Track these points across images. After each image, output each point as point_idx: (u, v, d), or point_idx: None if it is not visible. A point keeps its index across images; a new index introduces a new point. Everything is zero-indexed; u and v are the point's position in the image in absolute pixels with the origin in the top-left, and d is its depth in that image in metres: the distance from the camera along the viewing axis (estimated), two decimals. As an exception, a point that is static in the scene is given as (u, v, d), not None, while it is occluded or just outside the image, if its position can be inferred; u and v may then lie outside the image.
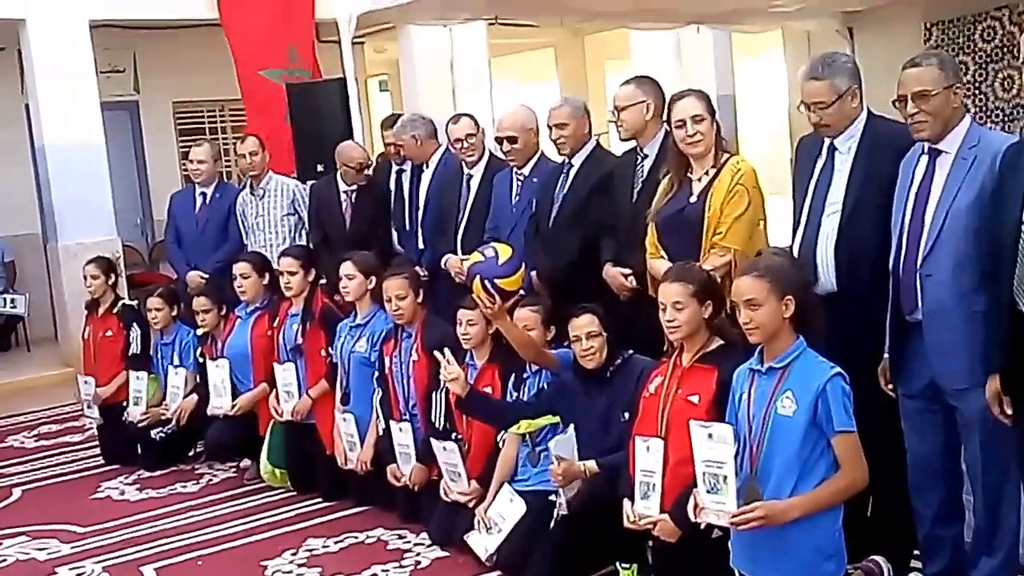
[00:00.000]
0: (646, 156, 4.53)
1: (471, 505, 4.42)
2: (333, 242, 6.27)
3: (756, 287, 3.00)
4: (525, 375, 4.46)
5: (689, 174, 4.11)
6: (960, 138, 3.27)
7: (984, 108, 8.25)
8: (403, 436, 4.82)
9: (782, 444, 2.95)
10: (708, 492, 3.01)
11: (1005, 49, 8.08)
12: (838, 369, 2.97)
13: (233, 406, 5.67)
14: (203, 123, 12.00)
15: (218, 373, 5.71)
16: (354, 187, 6.34)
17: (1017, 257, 2.93)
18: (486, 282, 4.23)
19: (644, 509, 3.45)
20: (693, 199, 4.04)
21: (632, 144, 4.66)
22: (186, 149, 11.69)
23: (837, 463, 2.93)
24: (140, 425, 6.08)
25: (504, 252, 4.30)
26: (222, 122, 12.10)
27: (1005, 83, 8.16)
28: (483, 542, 4.27)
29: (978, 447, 3.28)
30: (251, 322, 5.77)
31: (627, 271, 4.45)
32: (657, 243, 4.15)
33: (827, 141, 3.70)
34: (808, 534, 2.95)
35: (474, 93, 11.16)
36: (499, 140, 5.26)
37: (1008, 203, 3.00)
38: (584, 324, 4.01)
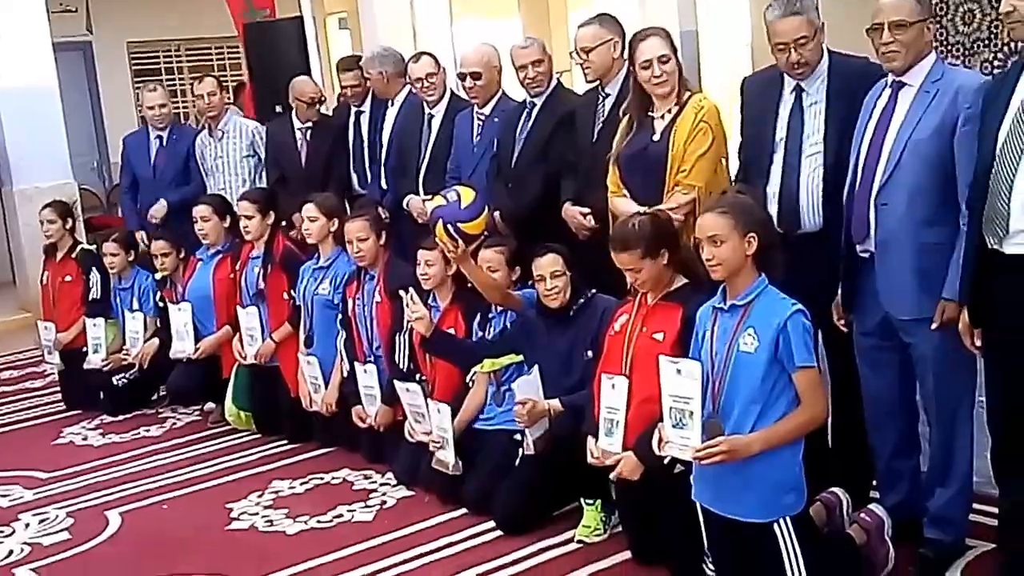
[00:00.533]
0: (608, 95, 4.48)
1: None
2: (290, 181, 6.21)
3: (720, 224, 3.01)
4: (490, 315, 4.46)
5: (651, 112, 4.08)
6: (925, 72, 3.26)
7: (945, 41, 8.23)
8: (368, 378, 4.82)
9: (744, 380, 2.97)
10: (674, 427, 3.04)
11: (967, -17, 8.07)
12: (799, 306, 2.99)
13: (197, 349, 5.64)
14: (159, 63, 11.81)
15: (180, 317, 5.66)
16: (308, 124, 6.26)
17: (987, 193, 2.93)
18: (449, 226, 4.19)
19: (608, 446, 3.48)
20: (656, 137, 4.01)
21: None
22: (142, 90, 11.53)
23: (798, 398, 2.97)
24: (103, 371, 6.04)
25: (467, 195, 4.27)
26: (178, 62, 11.91)
27: (966, 17, 8.14)
28: (444, 457, 4.30)
29: (932, 382, 3.31)
30: (213, 265, 5.71)
31: (586, 210, 4.43)
32: (619, 182, 4.12)
33: (789, 82, 3.64)
34: (769, 468, 2.98)
35: (435, 31, 11.03)
36: (462, 76, 5.20)
37: (986, 138, 2.98)
38: (548, 264, 4.00)
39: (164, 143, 6.73)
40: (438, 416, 4.33)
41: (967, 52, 8.10)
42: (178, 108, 11.59)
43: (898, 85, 3.31)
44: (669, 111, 4.02)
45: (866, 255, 3.36)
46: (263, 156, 6.49)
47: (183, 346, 5.67)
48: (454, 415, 4.35)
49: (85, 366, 6.12)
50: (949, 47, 8.21)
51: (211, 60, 11.64)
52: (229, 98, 6.75)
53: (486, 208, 4.32)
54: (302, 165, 6.25)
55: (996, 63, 7.58)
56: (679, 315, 3.37)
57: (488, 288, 4.30)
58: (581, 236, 4.49)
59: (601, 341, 3.70)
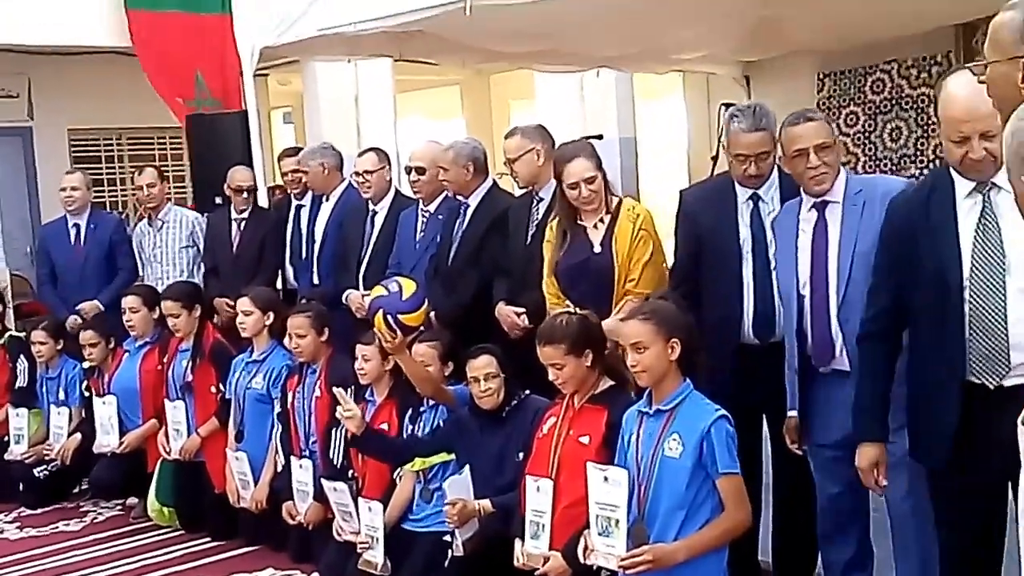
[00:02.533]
0: (541, 199, 4.58)
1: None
2: (221, 270, 6.23)
3: (643, 330, 3.05)
4: (422, 409, 4.45)
5: (580, 221, 4.14)
6: (843, 186, 3.38)
7: (873, 157, 8.53)
8: (303, 473, 4.76)
9: (669, 485, 2.99)
10: (599, 534, 3.04)
11: (893, 101, 8.38)
12: (723, 412, 3.03)
13: (121, 444, 5.53)
14: (99, 151, 11.75)
15: (105, 410, 5.57)
16: (244, 214, 6.28)
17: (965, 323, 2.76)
18: (388, 317, 4.21)
19: (534, 549, 3.46)
20: (598, 249, 4.08)
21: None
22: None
23: (722, 504, 2.98)
24: (25, 462, 5.90)
25: (408, 287, 4.30)
26: (119, 150, 11.86)
27: (893, 134, 8.44)
28: (372, 558, 4.24)
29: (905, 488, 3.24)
30: (140, 357, 5.65)
31: (520, 310, 4.48)
32: (560, 294, 4.15)
33: (742, 191, 3.76)
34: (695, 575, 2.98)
35: (379, 129, 11.17)
36: (408, 170, 5.31)
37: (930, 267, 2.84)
38: (482, 365, 4.01)
39: (82, 232, 6.70)
40: (368, 515, 4.28)
41: (895, 167, 8.39)
42: (116, 196, 11.58)
43: (823, 204, 3.41)
44: (601, 220, 4.11)
45: (828, 372, 3.38)
46: (201, 248, 6.48)
47: (107, 440, 5.57)
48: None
49: (6, 456, 5.98)
50: (877, 162, 8.51)
51: (153, 149, 11.61)
52: (170, 189, 6.74)
53: (426, 301, 4.35)
54: (233, 254, 6.27)
55: (921, 177, 7.86)
56: (604, 419, 3.39)
57: (422, 381, 4.30)
58: (514, 335, 4.52)
59: (532, 442, 3.70)
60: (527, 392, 4.08)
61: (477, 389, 4.03)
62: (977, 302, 2.71)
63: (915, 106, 8.19)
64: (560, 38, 6.82)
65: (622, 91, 10.49)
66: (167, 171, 10.54)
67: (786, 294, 3.49)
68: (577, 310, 3.66)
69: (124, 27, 9.00)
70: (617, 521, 2.98)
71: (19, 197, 10.70)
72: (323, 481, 4.54)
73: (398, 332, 4.20)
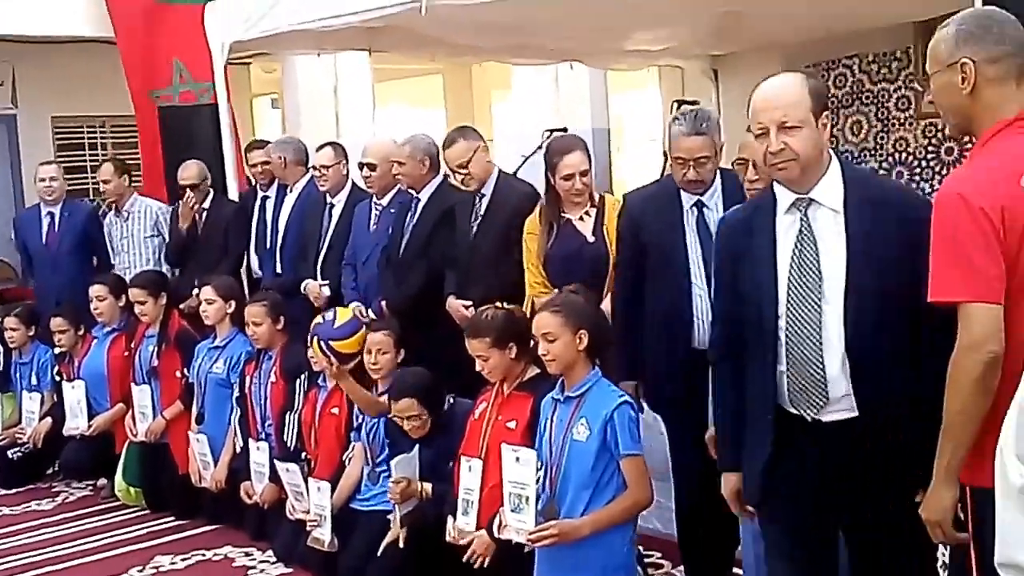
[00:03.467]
0: (483, 195, 4.76)
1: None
2: (186, 260, 6.46)
3: (552, 322, 3.27)
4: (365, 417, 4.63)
5: (564, 213, 4.27)
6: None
7: (835, 150, 8.72)
8: (260, 455, 4.98)
9: (576, 467, 3.21)
10: (512, 511, 3.26)
11: (854, 95, 8.55)
12: (626, 397, 3.25)
13: (89, 427, 5.75)
14: (83, 139, 11.92)
15: (74, 394, 5.79)
16: (205, 207, 6.49)
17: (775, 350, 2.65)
18: (323, 343, 4.44)
19: (464, 525, 3.68)
20: (591, 239, 4.22)
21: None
22: (65, 163, 11.65)
23: (626, 484, 3.21)
24: (-1, 444, 6.13)
25: (342, 315, 4.55)
26: (103, 138, 12.04)
27: (854, 127, 8.62)
28: (320, 535, 4.46)
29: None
30: (108, 343, 5.88)
31: (468, 303, 4.67)
32: (546, 283, 4.25)
33: (687, 197, 3.69)
34: (600, 550, 3.21)
35: (357, 118, 11.34)
36: (360, 165, 5.49)
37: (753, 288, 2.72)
38: (405, 408, 4.16)
39: (56, 219, 6.91)
40: (317, 494, 4.50)
41: (855, 160, 8.58)
42: (98, 184, 11.73)
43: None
44: (587, 212, 4.26)
45: None
46: (167, 236, 6.69)
47: (77, 423, 5.79)
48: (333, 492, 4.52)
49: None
50: (839, 156, 8.69)
51: (135, 138, 11.76)
52: (130, 181, 6.96)
53: (361, 328, 4.53)
54: (197, 245, 6.46)
55: (882, 170, 8.07)
56: (529, 404, 3.62)
57: (367, 405, 4.52)
58: (463, 326, 4.71)
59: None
60: (452, 398, 4.27)
61: (405, 425, 4.20)
62: (793, 332, 2.58)
63: (875, 101, 8.36)
64: (525, 33, 6.97)
65: (595, 83, 10.67)
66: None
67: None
68: (504, 305, 3.87)
69: (107, 17, 9.20)
70: (527, 498, 3.21)
71: (3, 184, 10.86)
72: (276, 462, 4.75)
73: (331, 358, 4.43)
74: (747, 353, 2.69)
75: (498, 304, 3.88)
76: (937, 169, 7.60)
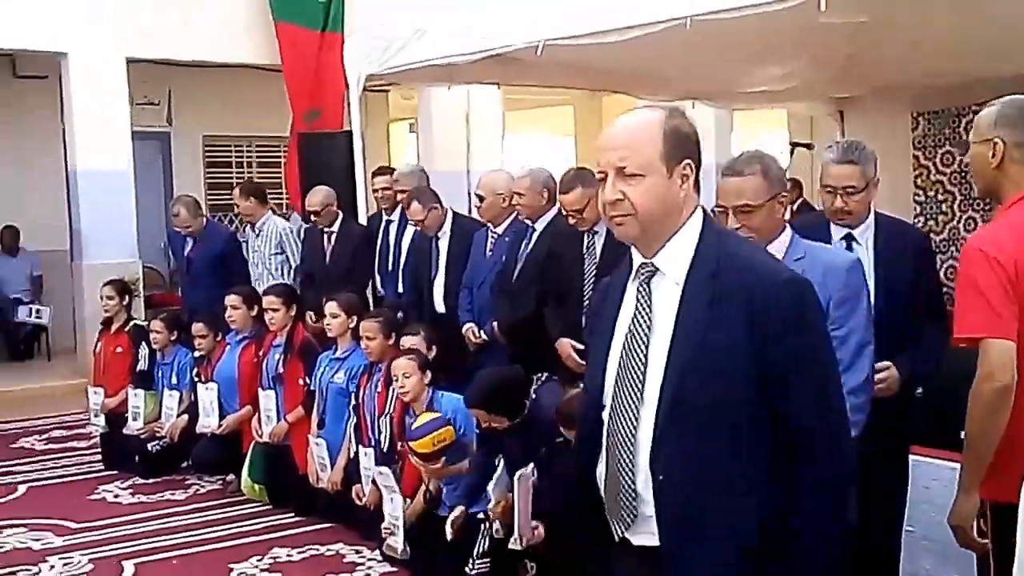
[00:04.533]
0: (596, 232, 4.87)
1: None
2: (316, 279, 6.93)
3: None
4: None
5: None
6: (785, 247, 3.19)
7: (968, 197, 8.65)
8: (367, 460, 5.34)
9: None
10: None
11: (983, 142, 8.51)
12: None
13: (220, 425, 6.23)
14: (230, 156, 12.67)
15: (207, 395, 6.28)
16: (334, 227, 6.93)
17: None
18: (408, 443, 4.80)
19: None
20: None
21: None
22: (212, 180, 12.43)
23: None
24: (140, 437, 6.64)
25: (422, 419, 4.81)
26: (248, 156, 12.77)
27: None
28: (394, 543, 4.84)
29: None
30: (239, 349, 6.36)
31: (580, 346, 4.70)
32: None
33: (837, 230, 3.65)
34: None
35: (487, 146, 11.73)
36: (477, 196, 5.85)
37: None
38: (478, 416, 4.57)
39: (195, 241, 7.59)
40: (391, 505, 4.85)
41: (987, 207, 8.51)
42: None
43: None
44: None
45: None
46: (289, 254, 7.29)
47: (208, 422, 6.28)
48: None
49: (124, 431, 6.74)
50: (971, 202, 8.59)
51: (278, 156, 12.46)
52: (260, 201, 7.59)
53: (435, 430, 4.70)
54: (326, 265, 6.95)
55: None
56: None
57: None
58: (570, 365, 4.82)
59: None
60: (544, 378, 4.54)
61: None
62: (612, 429, 2.18)
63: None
64: (642, 71, 7.22)
65: (721, 122, 10.81)
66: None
67: None
68: None
69: (259, 44, 9.85)
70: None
71: (155, 196, 11.65)
72: (373, 466, 5.13)
73: (415, 457, 4.76)
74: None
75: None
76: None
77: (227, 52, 10.05)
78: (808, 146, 8.69)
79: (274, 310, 6.04)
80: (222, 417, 6.27)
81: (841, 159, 3.56)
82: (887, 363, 3.49)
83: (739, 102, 9.49)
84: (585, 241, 4.97)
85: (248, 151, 12.74)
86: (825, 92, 9.10)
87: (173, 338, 6.79)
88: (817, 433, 2.09)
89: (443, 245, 6.17)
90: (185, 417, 6.53)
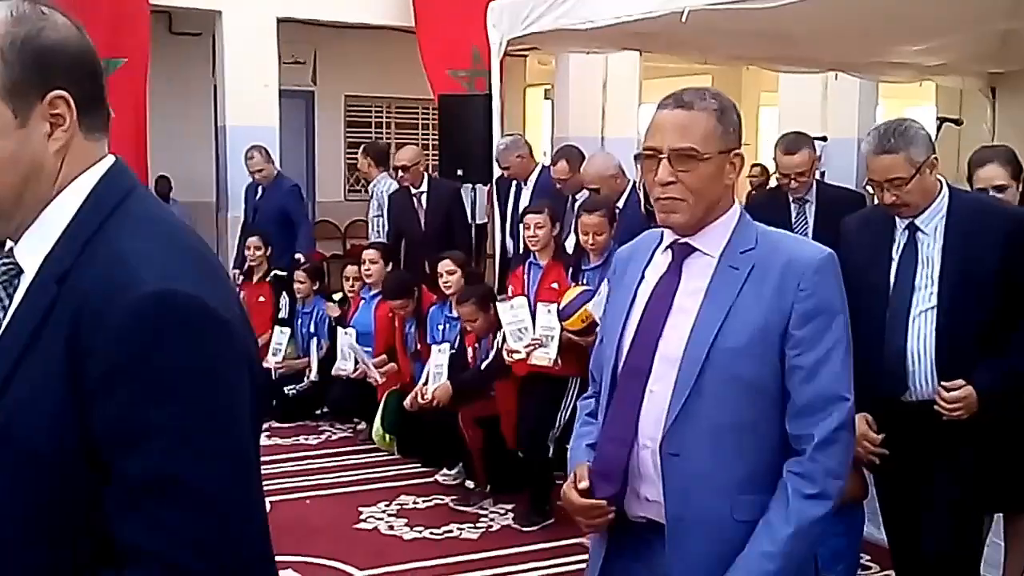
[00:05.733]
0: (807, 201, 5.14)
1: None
2: (408, 240, 7.21)
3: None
4: (584, 268, 5.19)
5: None
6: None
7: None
8: (439, 357, 5.69)
9: None
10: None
11: None
12: None
13: (356, 370, 6.46)
14: (370, 117, 12.95)
15: (346, 339, 6.53)
16: (423, 190, 7.13)
17: None
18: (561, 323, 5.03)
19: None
20: None
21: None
22: (352, 139, 12.72)
23: None
24: (277, 372, 6.98)
25: (568, 294, 5.02)
26: (388, 117, 13.02)
27: None
28: (544, 353, 5.10)
29: None
30: (374, 304, 6.60)
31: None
32: None
33: (901, 221, 3.22)
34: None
35: (623, 114, 11.69)
36: (589, 189, 5.91)
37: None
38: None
39: (263, 192, 8.07)
40: (547, 316, 5.11)
41: None
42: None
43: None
44: None
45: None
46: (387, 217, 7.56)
47: (345, 365, 6.52)
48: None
49: (264, 364, 7.04)
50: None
51: (416, 119, 12.69)
52: (375, 163, 8.03)
53: (579, 308, 4.91)
54: (420, 226, 7.17)
55: None
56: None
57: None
58: None
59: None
60: None
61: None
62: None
63: None
64: (789, 41, 7.10)
65: (865, 95, 10.53)
66: (427, 140, 11.60)
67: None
68: None
69: (401, 5, 10.01)
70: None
71: (298, 154, 11.99)
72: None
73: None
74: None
75: None
76: None
77: (371, 13, 10.25)
78: (957, 122, 8.39)
79: (373, 262, 6.50)
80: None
81: (879, 149, 3.09)
82: (959, 381, 3.09)
83: (886, 74, 9.23)
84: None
85: (388, 112, 12.99)
86: (978, 67, 8.82)
87: (315, 288, 7.07)
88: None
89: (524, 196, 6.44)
90: (315, 358, 6.89)
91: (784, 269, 2.07)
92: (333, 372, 6.59)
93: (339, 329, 6.63)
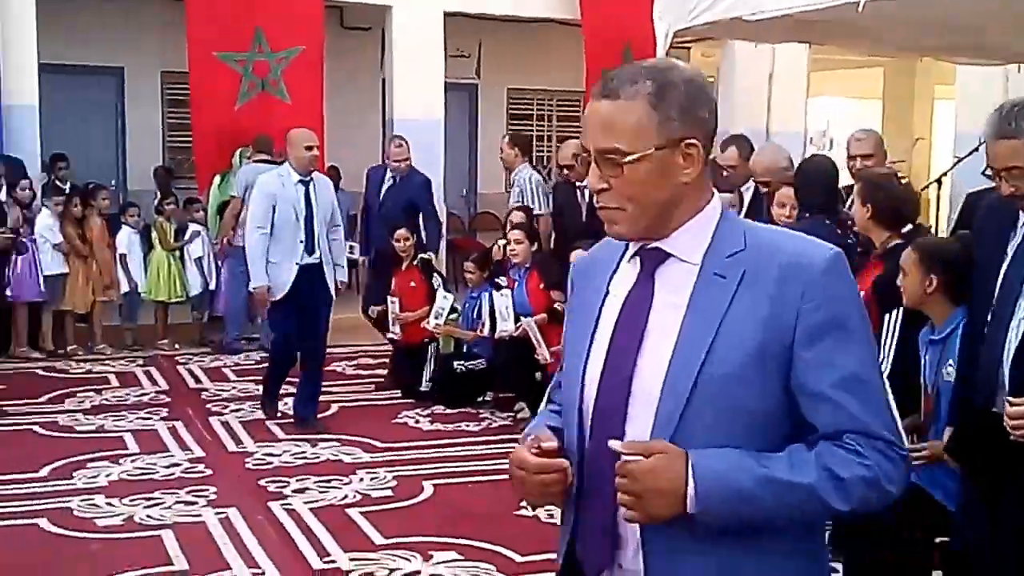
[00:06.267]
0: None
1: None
2: (567, 233, 7.35)
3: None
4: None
5: None
6: None
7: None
8: (502, 300, 6.55)
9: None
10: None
11: None
12: None
13: (517, 327, 6.66)
14: (532, 109, 13.06)
15: (502, 301, 6.79)
16: (586, 184, 7.11)
17: None
18: None
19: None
20: None
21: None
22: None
23: None
24: (436, 333, 7.23)
25: None
26: (549, 110, 13.11)
27: None
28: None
29: None
30: (526, 281, 6.89)
31: None
32: None
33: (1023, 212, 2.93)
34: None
35: (789, 106, 11.48)
36: (757, 183, 5.87)
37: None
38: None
39: (394, 183, 8.41)
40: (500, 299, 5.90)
41: None
42: (543, 152, 12.80)
43: None
44: None
45: None
46: (528, 204, 7.76)
47: (505, 326, 6.75)
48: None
49: (422, 325, 7.29)
50: None
51: (577, 112, 12.71)
52: (522, 152, 8.29)
53: None
54: (583, 220, 7.31)
55: None
56: None
57: None
58: None
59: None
60: None
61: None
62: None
63: None
64: (971, 31, 6.82)
65: (1050, 85, 10.05)
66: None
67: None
68: None
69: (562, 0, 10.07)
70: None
71: (461, 146, 12.19)
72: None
73: None
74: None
75: None
76: None
77: (534, 6, 10.34)
78: None
79: (518, 242, 6.88)
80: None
81: (997, 134, 2.75)
82: None
83: (1074, 69, 8.77)
84: None
85: (550, 104, 13.08)
86: None
87: (484, 276, 7.29)
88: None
89: (746, 197, 6.18)
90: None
91: (782, 274, 1.64)
92: (496, 335, 6.84)
93: (495, 294, 6.87)
